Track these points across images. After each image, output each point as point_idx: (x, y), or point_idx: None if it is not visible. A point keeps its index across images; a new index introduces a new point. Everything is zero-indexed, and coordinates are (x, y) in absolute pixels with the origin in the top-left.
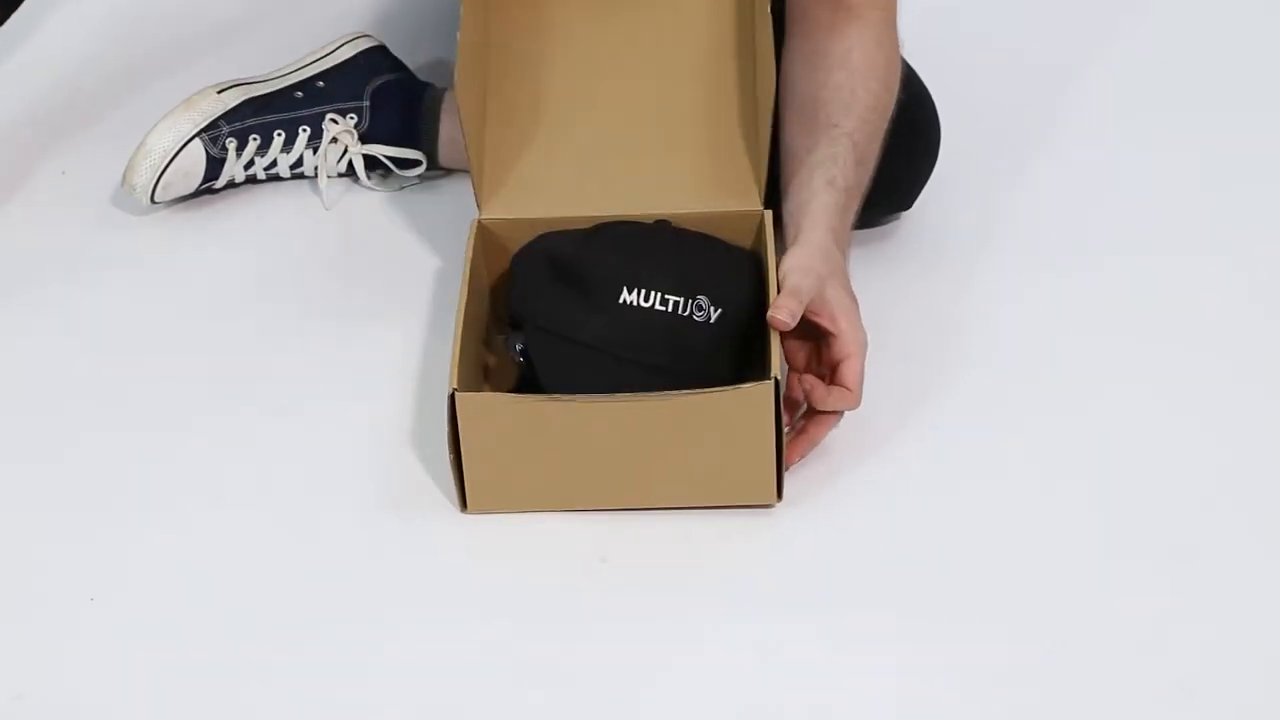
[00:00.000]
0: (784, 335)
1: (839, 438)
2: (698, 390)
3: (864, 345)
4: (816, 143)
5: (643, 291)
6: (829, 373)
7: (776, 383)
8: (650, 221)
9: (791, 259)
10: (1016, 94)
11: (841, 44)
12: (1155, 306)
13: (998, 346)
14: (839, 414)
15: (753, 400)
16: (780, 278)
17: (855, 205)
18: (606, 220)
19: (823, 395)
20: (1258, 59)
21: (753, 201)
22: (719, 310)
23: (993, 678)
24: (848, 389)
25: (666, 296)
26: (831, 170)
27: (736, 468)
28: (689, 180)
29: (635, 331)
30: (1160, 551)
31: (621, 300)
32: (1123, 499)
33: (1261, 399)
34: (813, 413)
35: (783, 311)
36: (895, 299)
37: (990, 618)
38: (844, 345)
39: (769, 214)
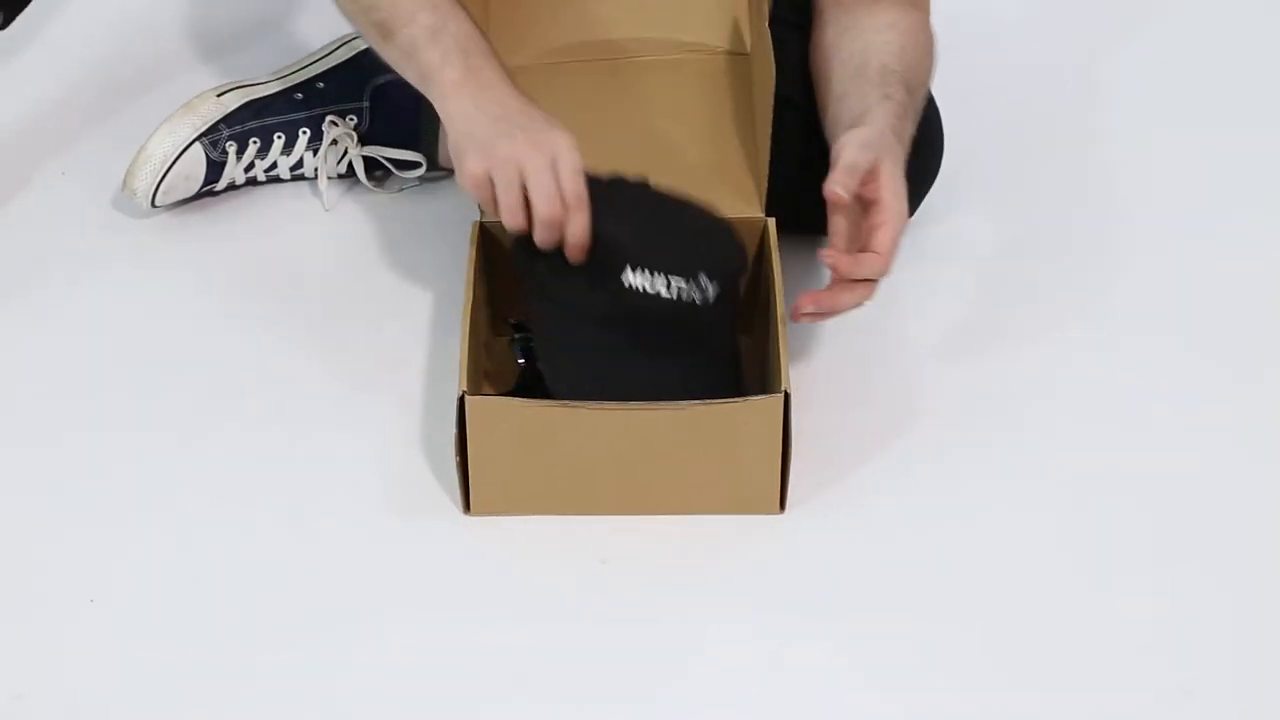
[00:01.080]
0: (832, 211)
1: (839, 440)
2: (708, 401)
3: (903, 218)
4: (867, 79)
5: (646, 274)
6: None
7: (786, 396)
8: (633, 180)
9: (851, 136)
10: (1020, 97)
11: (885, 17)
12: (1163, 311)
13: (1002, 351)
14: (868, 286)
15: (762, 412)
16: (836, 153)
17: (910, 123)
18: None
19: (849, 265)
20: (1265, 61)
21: (754, 209)
22: (716, 285)
23: (994, 679)
24: (877, 253)
25: (670, 280)
26: (887, 89)
27: (741, 478)
28: (690, 187)
29: (638, 315)
30: (1160, 552)
31: (625, 281)
32: (1123, 500)
33: (1262, 400)
34: (840, 281)
35: (838, 185)
36: (897, 304)
37: (991, 619)
38: (882, 212)
39: (772, 221)
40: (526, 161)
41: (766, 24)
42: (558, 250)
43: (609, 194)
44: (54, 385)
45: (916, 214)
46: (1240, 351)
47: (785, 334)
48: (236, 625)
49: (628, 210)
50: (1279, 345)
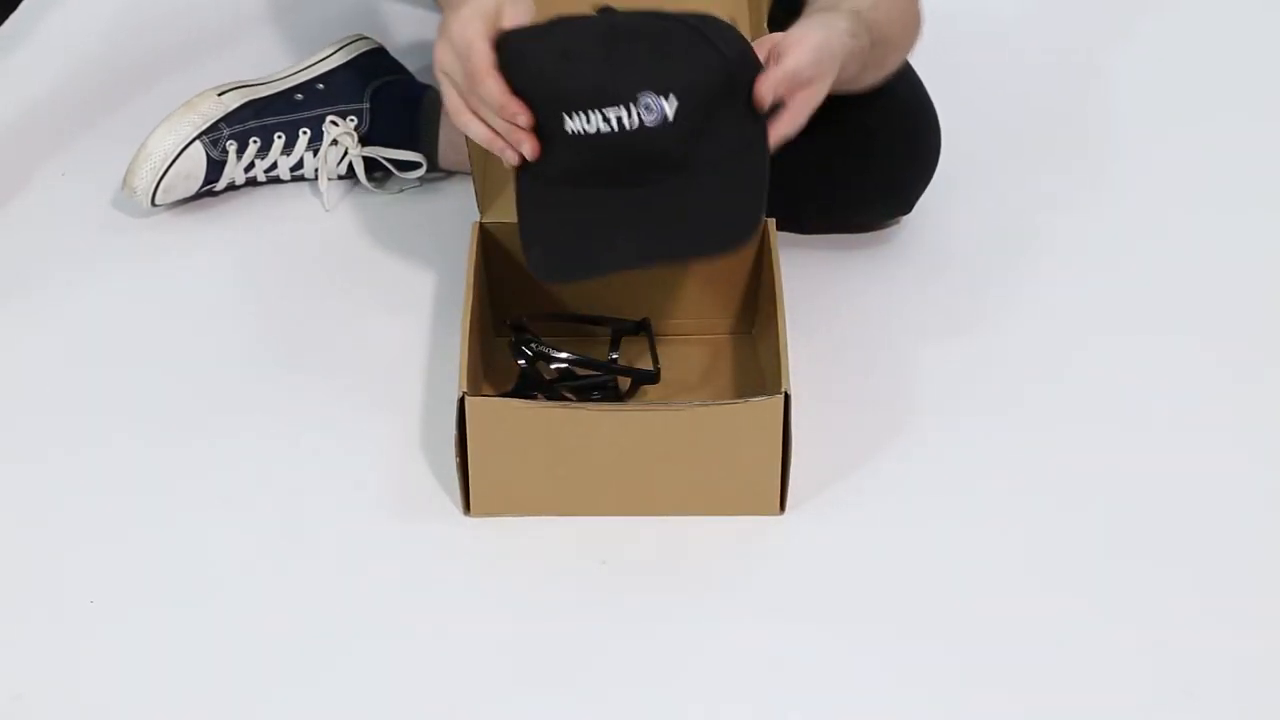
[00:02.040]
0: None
1: (839, 440)
2: (707, 402)
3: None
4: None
5: (582, 115)
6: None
7: (787, 397)
8: (595, 12)
9: (808, 33)
10: (1017, 95)
11: None
12: (1164, 311)
13: (1000, 351)
14: (810, 85)
15: (762, 413)
16: (783, 44)
17: (863, 45)
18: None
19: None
20: (1265, 58)
21: None
22: (675, 101)
23: (993, 681)
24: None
25: (605, 113)
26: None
27: (741, 479)
28: None
29: (594, 161)
30: (1160, 553)
31: (569, 130)
32: (1123, 501)
33: (1262, 400)
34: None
35: (768, 91)
36: (895, 303)
37: (991, 621)
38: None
39: (772, 221)
40: (442, 57)
41: (766, 24)
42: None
43: (551, 38)
44: (54, 385)
45: (914, 212)
46: (1241, 351)
47: (785, 334)
48: (237, 625)
49: (573, 50)
50: (1279, 345)
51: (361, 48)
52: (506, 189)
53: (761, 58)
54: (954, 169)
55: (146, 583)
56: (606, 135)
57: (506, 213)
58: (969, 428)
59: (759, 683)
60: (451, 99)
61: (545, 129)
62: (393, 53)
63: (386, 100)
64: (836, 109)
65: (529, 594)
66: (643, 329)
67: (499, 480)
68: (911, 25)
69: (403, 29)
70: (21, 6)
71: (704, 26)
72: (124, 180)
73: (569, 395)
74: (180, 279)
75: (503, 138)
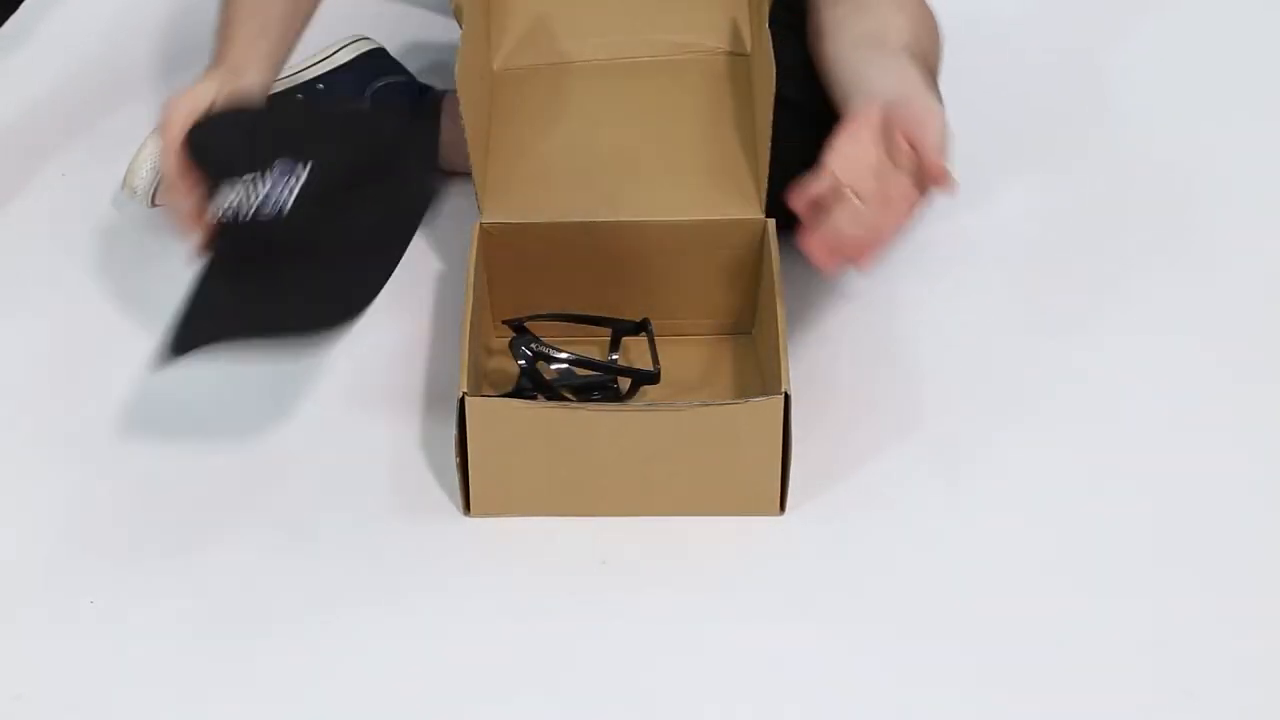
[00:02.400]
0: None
1: (840, 440)
2: (707, 402)
3: (935, 117)
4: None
5: (220, 206)
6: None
7: (786, 397)
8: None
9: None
10: (1017, 96)
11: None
12: (1165, 311)
13: (1000, 350)
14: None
15: (762, 414)
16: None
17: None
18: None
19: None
20: (1264, 57)
21: (754, 209)
22: (309, 166)
23: (993, 681)
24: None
25: (244, 179)
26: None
27: (741, 480)
28: (690, 187)
29: (240, 245)
30: (1160, 553)
31: (219, 218)
32: (1123, 500)
33: (1262, 400)
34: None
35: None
36: (895, 303)
37: (991, 620)
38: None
39: (771, 222)
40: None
41: (767, 24)
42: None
43: (239, 124)
44: (54, 385)
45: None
46: (1241, 351)
47: (785, 334)
48: (237, 625)
49: (243, 123)
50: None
51: (362, 48)
52: (507, 189)
53: (875, 120)
54: (959, 170)
55: (147, 582)
56: (239, 221)
57: (506, 213)
58: (969, 427)
59: (759, 683)
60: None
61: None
62: (393, 53)
63: (387, 101)
64: (838, 110)
65: (529, 594)
66: (643, 329)
67: (499, 480)
68: (940, 44)
69: (403, 29)
70: (21, 6)
71: (382, 118)
72: (124, 180)
73: (569, 395)
74: (180, 279)
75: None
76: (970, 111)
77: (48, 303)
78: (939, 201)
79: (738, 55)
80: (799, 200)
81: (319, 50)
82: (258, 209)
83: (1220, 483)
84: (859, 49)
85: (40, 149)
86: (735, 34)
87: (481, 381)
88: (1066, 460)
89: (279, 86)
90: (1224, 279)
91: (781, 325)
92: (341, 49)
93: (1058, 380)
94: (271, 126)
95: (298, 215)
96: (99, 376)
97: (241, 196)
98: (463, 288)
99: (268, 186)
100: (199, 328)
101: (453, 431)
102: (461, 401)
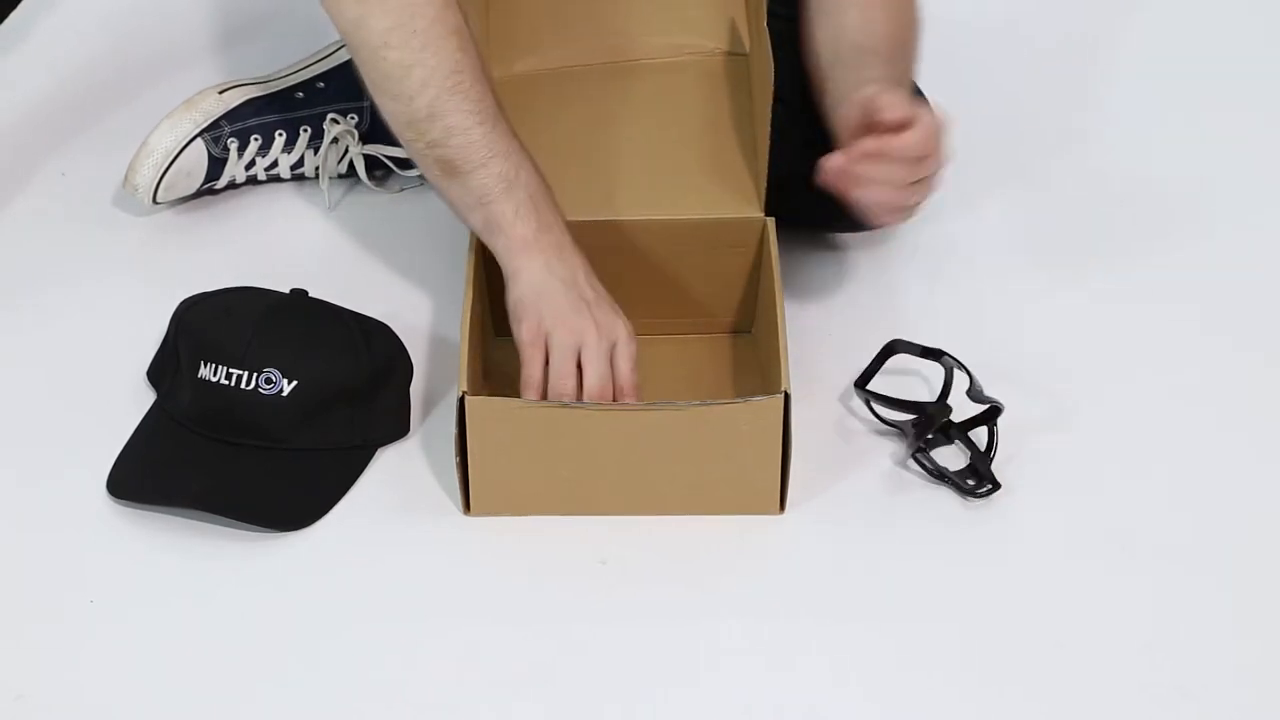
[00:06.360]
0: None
1: (840, 440)
2: (707, 402)
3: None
4: (844, 64)
5: (212, 365)
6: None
7: (787, 397)
8: (289, 291)
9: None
10: (1017, 95)
11: None
12: (1166, 310)
13: (1000, 350)
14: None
15: (762, 413)
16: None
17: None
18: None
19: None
20: (1264, 56)
21: (754, 209)
22: (293, 382)
23: (992, 681)
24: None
25: (231, 371)
26: (864, 71)
27: (741, 479)
28: (691, 188)
29: (206, 407)
30: (1160, 553)
31: (199, 374)
32: (1123, 500)
33: (1263, 399)
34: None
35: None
36: (895, 303)
37: (990, 620)
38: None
39: (771, 221)
40: (588, 337)
41: (765, 24)
42: (172, 352)
43: (226, 297)
44: (54, 385)
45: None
46: (1242, 351)
47: (785, 334)
48: (237, 625)
49: (235, 311)
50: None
51: None
52: None
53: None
54: (954, 169)
55: (147, 582)
56: (223, 388)
57: None
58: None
59: (759, 682)
60: (564, 364)
61: (185, 367)
62: None
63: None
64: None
65: (529, 594)
66: None
67: (499, 480)
68: (918, 31)
69: None
70: (21, 6)
71: (370, 336)
72: (125, 178)
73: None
74: (181, 278)
75: None
76: (970, 112)
77: (48, 302)
78: (939, 201)
79: (737, 55)
80: (868, 142)
81: (321, 48)
82: (244, 392)
83: (1221, 483)
84: (845, 58)
85: (40, 149)
86: (734, 34)
87: (481, 381)
88: (1066, 460)
89: (280, 85)
90: (1225, 278)
91: (781, 325)
92: (342, 47)
93: (1058, 379)
94: (262, 320)
95: (275, 414)
96: (99, 376)
97: (224, 375)
98: (463, 288)
99: (254, 382)
100: (152, 485)
101: (453, 431)
102: (461, 401)
